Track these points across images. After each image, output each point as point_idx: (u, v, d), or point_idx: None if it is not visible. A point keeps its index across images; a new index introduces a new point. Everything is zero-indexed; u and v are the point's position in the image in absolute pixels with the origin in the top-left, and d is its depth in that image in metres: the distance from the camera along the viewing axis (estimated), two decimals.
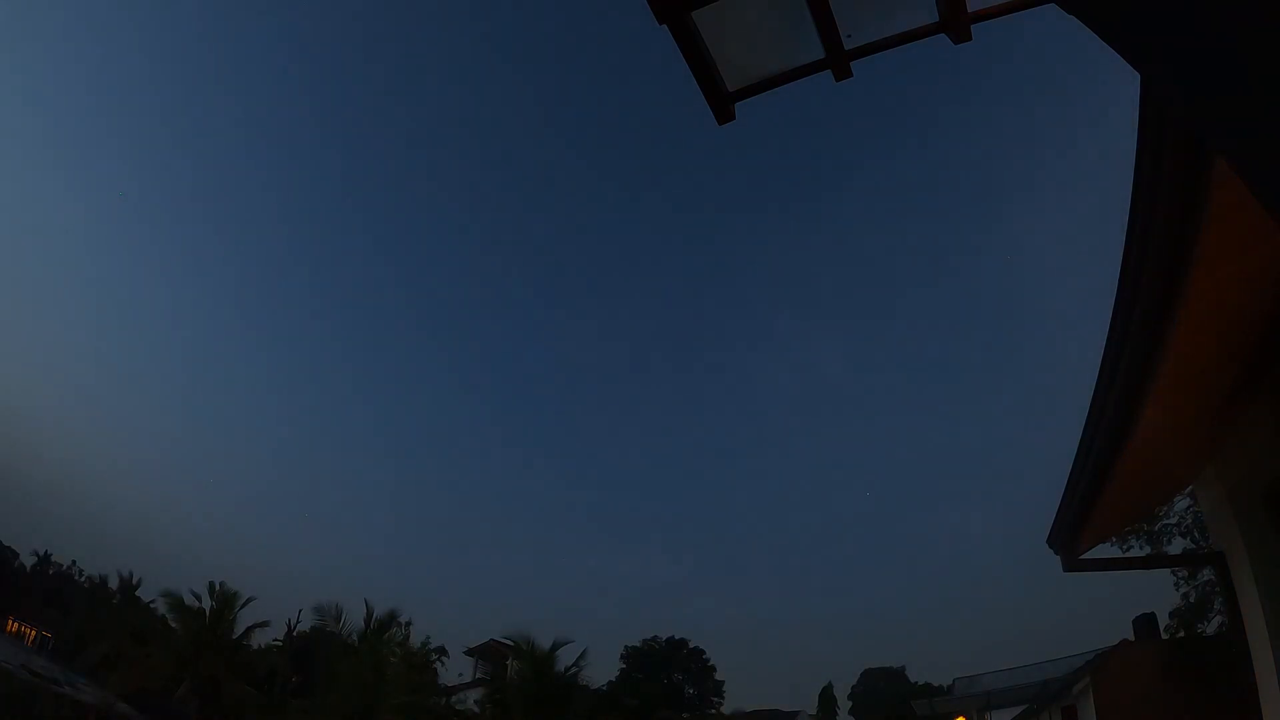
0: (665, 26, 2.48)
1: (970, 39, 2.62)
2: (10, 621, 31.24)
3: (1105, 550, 9.14)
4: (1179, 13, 1.28)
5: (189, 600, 24.86)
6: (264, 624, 27.81)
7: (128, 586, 41.15)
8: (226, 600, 25.21)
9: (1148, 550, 22.31)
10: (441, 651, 30.52)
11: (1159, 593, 25.91)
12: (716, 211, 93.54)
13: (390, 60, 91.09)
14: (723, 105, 2.78)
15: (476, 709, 27.09)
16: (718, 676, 58.45)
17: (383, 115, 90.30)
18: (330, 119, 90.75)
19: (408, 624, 25.82)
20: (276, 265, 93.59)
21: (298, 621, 35.25)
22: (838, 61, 2.67)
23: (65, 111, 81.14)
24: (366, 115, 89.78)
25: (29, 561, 46.28)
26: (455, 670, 34.12)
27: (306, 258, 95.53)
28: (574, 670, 22.99)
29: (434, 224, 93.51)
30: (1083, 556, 6.54)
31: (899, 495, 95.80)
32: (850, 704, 67.97)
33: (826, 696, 66.95)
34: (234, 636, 25.40)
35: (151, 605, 33.95)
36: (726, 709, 55.77)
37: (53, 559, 47.44)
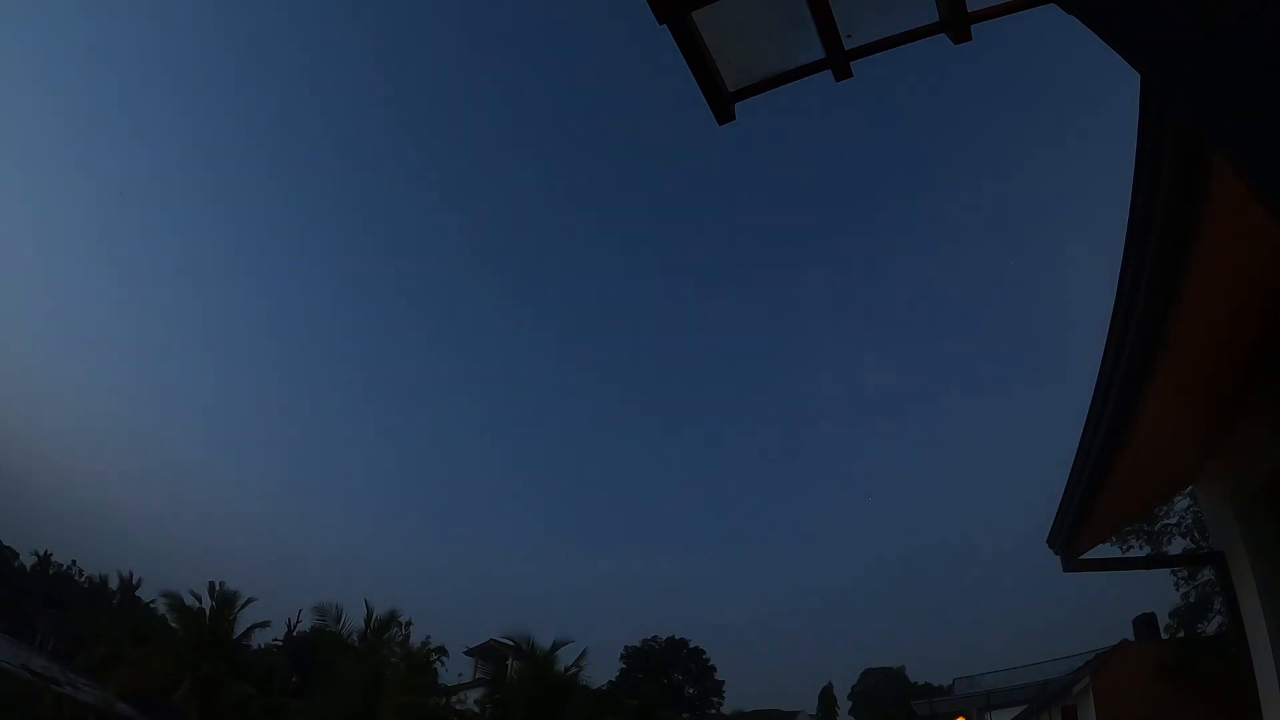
0: (665, 26, 2.49)
1: (970, 39, 2.63)
2: (9, 621, 31.27)
3: (1105, 550, 9.15)
4: (1179, 13, 1.28)
5: (189, 600, 24.83)
6: (264, 624, 27.87)
7: (128, 586, 41.25)
8: (226, 600, 25.19)
9: (1148, 550, 22.39)
10: (441, 651, 30.58)
11: (1159, 593, 25.94)
12: (759, 226, 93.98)
13: (410, 63, 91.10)
14: (723, 105, 2.79)
15: (476, 709, 27.10)
16: (718, 676, 58.61)
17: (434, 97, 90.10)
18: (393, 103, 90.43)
19: (408, 624, 25.87)
20: (276, 263, 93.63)
21: (298, 621, 35.40)
22: (838, 61, 2.68)
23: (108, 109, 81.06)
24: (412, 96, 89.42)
25: (29, 561, 46.34)
26: (455, 670, 34.23)
27: (307, 257, 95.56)
28: (574, 670, 23.00)
29: (443, 227, 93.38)
30: (1083, 556, 6.54)
31: (900, 496, 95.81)
32: (850, 704, 68.06)
33: (826, 696, 67.00)
34: (234, 637, 25.41)
35: (151, 605, 34.06)
36: (726, 709, 55.91)
37: (53, 559, 47.51)
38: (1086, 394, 4.49)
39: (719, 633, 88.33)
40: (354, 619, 23.08)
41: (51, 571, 46.93)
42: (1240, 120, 1.28)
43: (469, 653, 36.89)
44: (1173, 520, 22.36)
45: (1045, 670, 28.97)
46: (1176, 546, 22.39)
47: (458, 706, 27.85)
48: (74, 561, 48.04)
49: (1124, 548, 21.96)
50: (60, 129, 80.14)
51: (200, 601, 25.07)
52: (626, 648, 56.76)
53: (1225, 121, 1.35)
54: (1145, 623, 24.23)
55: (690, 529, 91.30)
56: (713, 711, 55.51)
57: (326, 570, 70.15)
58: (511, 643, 24.10)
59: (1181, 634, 24.46)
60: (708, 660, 58.10)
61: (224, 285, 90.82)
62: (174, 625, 25.05)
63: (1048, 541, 6.49)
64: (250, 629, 26.45)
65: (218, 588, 25.53)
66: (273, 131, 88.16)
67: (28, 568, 45.92)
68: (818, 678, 72.47)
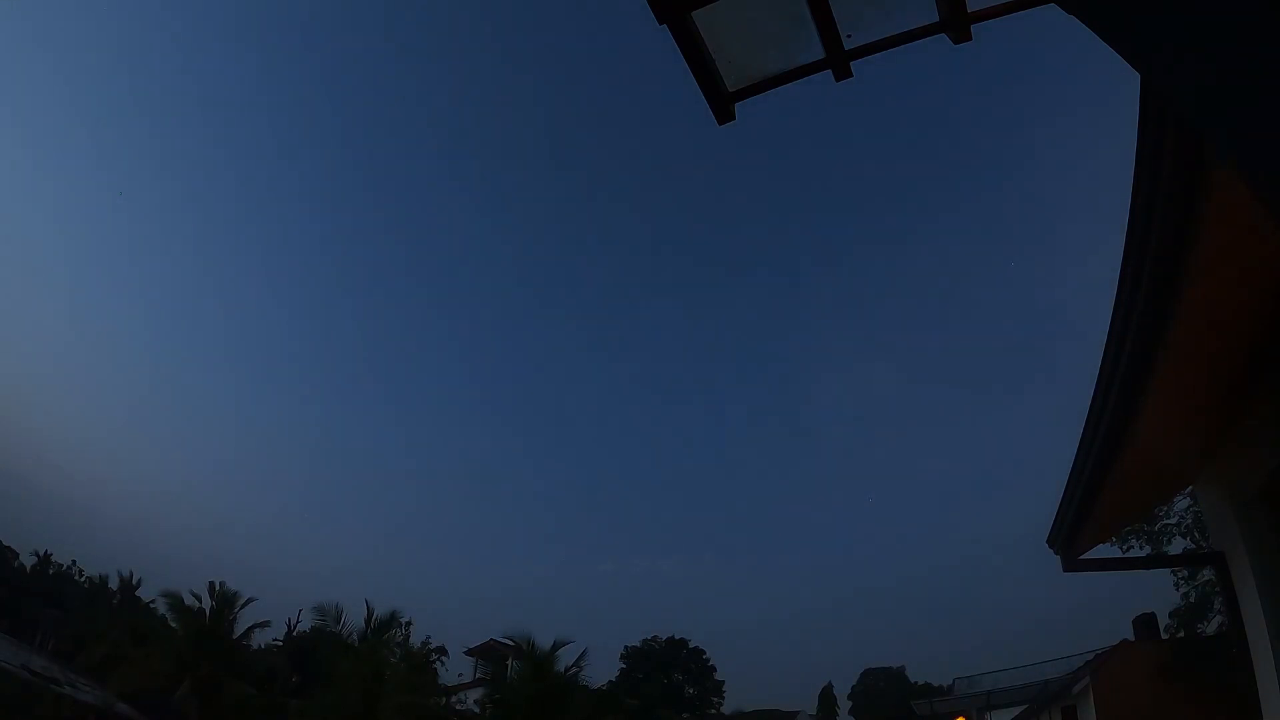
0: (665, 26, 2.49)
1: (970, 39, 2.63)
2: (9, 621, 31.25)
3: (1105, 550, 9.13)
4: (1179, 13, 1.28)
5: (189, 600, 24.82)
6: (264, 624, 27.84)
7: (128, 586, 41.17)
8: (226, 600, 25.18)
9: (1148, 550, 22.38)
10: (441, 651, 30.58)
11: (1159, 593, 25.95)
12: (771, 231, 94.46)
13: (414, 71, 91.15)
14: (723, 105, 2.79)
15: (476, 709, 27.10)
16: (718, 676, 58.49)
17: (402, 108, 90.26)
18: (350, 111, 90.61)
19: (408, 624, 25.86)
20: (279, 263, 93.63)
21: (298, 621, 35.37)
22: (838, 61, 2.68)
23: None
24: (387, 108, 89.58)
25: (29, 561, 46.28)
26: (455, 670, 34.21)
27: (310, 257, 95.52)
28: (574, 670, 23.01)
29: (453, 228, 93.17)
30: (1083, 556, 6.54)
31: (901, 497, 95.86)
32: (850, 704, 68.04)
33: (826, 696, 66.98)
34: (234, 636, 25.39)
35: (151, 605, 34.00)
36: (726, 709, 55.83)
37: (53, 559, 47.42)
38: (1086, 394, 4.49)
39: (719, 633, 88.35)
40: (354, 619, 23.12)
41: (51, 571, 46.86)
42: (1240, 120, 1.28)
43: (469, 653, 36.88)
44: (1173, 520, 22.35)
45: (1045, 670, 28.96)
46: (1176, 546, 22.38)
47: (458, 706, 27.84)
48: (74, 561, 48.01)
49: (1124, 548, 21.95)
50: (79, 125, 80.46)
51: (200, 601, 25.08)
52: (626, 648, 56.69)
53: (1225, 122, 1.35)
54: (1145, 623, 24.21)
55: (691, 529, 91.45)
56: (713, 711, 55.43)
57: (327, 570, 70.27)
58: (511, 643, 24.11)
59: (1181, 634, 24.44)
60: (708, 660, 58.02)
61: (231, 286, 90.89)
62: (174, 625, 25.04)
63: (1048, 541, 6.49)
64: (250, 629, 26.47)
65: (218, 588, 25.53)
66: (295, 134, 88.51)
67: (28, 568, 45.84)
68: (818, 678, 72.38)
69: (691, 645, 57.50)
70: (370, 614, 23.54)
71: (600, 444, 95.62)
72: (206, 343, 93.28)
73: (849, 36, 2.61)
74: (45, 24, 70.46)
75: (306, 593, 72.40)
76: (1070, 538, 6.17)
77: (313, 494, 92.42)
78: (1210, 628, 22.68)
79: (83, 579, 46.55)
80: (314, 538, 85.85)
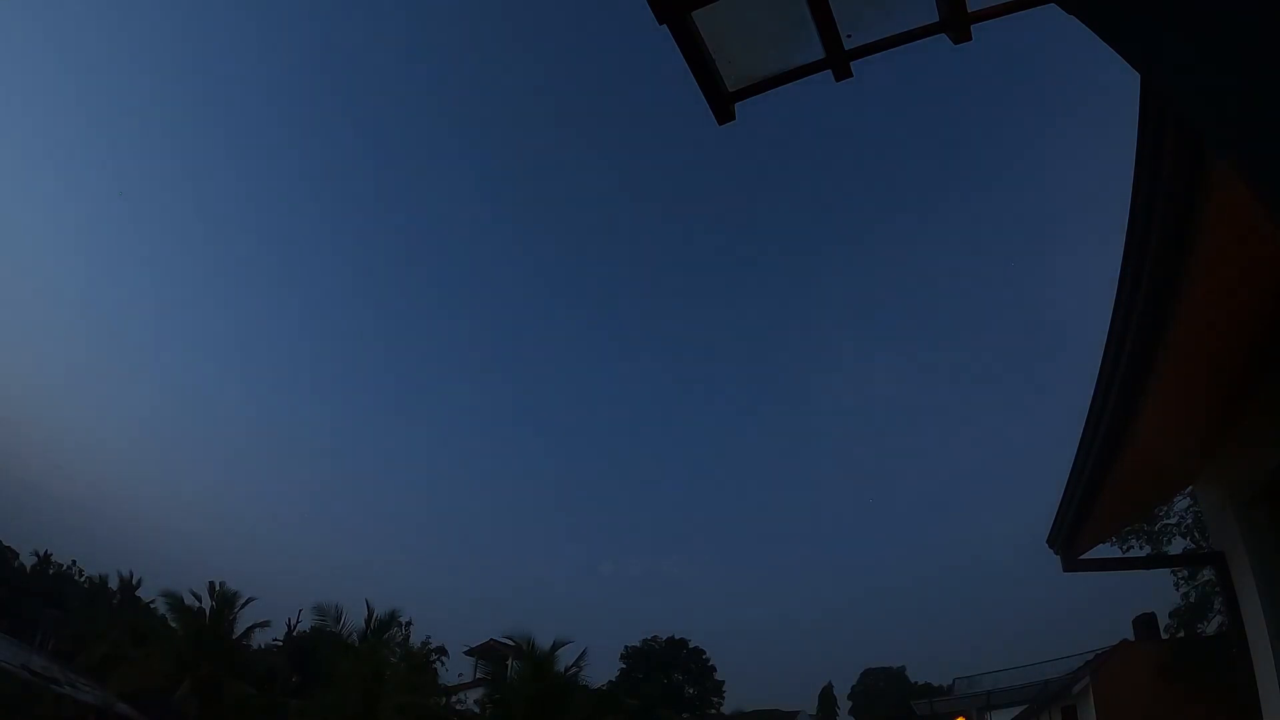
0: (665, 26, 2.49)
1: (970, 39, 2.63)
2: (9, 621, 31.24)
3: (1105, 550, 9.15)
4: (1180, 13, 1.28)
5: (189, 600, 24.81)
6: (264, 624, 27.82)
7: (128, 586, 41.16)
8: (226, 600, 25.16)
9: (1148, 550, 22.38)
10: (441, 651, 30.58)
11: (1159, 593, 25.98)
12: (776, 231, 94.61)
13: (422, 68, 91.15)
14: (723, 105, 2.79)
15: (476, 709, 27.09)
16: (718, 676, 58.53)
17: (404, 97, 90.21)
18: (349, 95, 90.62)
19: (408, 624, 25.87)
20: (281, 261, 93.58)
21: (298, 621, 35.35)
22: (838, 61, 2.68)
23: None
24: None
25: (29, 561, 46.28)
26: (455, 670, 34.20)
27: (314, 254, 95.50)
28: (574, 670, 23.02)
29: (453, 224, 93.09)
30: (1083, 556, 6.55)
31: (902, 498, 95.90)
32: (850, 704, 68.08)
33: (826, 696, 67.09)
34: (234, 636, 25.39)
35: (151, 605, 33.98)
36: (726, 709, 55.87)
37: (53, 559, 47.42)
38: (1086, 394, 4.49)
39: (719, 633, 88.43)
40: (354, 619, 23.11)
41: (51, 571, 46.84)
42: (1240, 120, 1.28)
43: (469, 653, 36.78)
44: (1173, 520, 22.36)
45: (1045, 670, 28.97)
46: (1176, 546, 22.39)
47: (458, 706, 27.82)
48: (74, 561, 47.95)
49: (1124, 548, 21.95)
50: (84, 123, 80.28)
51: (200, 601, 25.05)
52: (626, 648, 56.70)
53: (1224, 122, 1.35)
54: (1145, 623, 24.22)
55: (691, 529, 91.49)
56: (713, 711, 55.46)
57: (327, 570, 70.22)
58: (511, 643, 24.10)
59: (1181, 634, 24.46)
60: (708, 660, 58.04)
61: (233, 285, 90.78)
62: (174, 625, 25.02)
63: (1048, 541, 6.50)
64: (250, 629, 26.43)
65: (218, 588, 25.51)
66: (303, 133, 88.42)
67: (28, 568, 45.82)
68: (818, 678, 72.50)
69: (691, 645, 57.55)
70: (370, 614, 23.56)
71: (600, 443, 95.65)
72: (207, 341, 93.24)
73: (849, 36, 2.61)
74: (48, 21, 70.46)
75: (306, 593, 72.48)
76: (1070, 538, 6.17)
77: (313, 494, 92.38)
78: (1210, 628, 22.70)
79: (83, 579, 46.55)
80: (314, 538, 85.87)
